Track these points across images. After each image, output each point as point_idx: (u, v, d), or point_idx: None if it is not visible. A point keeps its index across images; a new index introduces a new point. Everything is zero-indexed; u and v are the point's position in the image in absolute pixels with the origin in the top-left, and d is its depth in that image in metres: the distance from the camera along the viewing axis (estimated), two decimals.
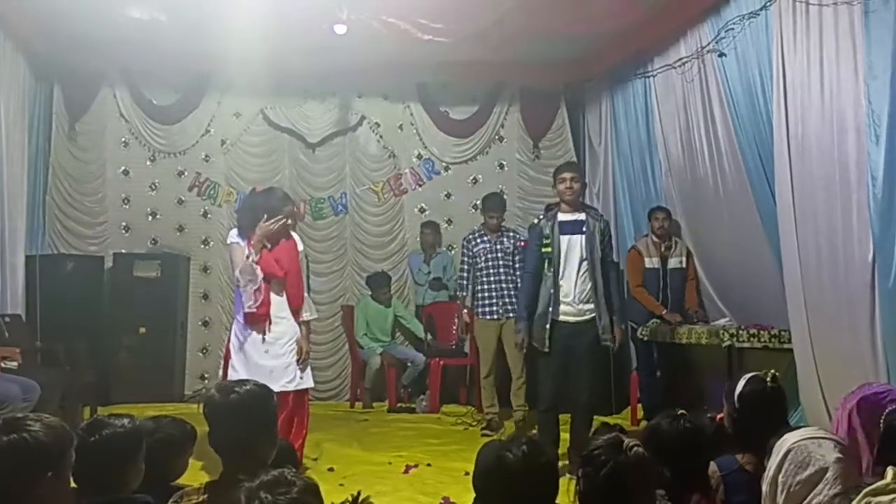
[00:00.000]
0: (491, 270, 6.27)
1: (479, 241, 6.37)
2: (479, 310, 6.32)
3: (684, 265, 6.29)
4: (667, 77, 6.29)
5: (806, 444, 1.85)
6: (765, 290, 5.27)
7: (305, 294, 4.84)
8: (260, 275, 4.50)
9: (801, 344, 4.56)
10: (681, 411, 2.48)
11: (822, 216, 4.37)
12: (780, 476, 1.82)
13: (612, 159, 7.45)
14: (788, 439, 1.88)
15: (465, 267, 6.43)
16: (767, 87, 4.89)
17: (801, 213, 4.50)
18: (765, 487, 1.88)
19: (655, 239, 6.33)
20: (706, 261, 6.22)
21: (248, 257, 4.53)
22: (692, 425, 2.42)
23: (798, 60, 4.51)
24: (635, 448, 1.88)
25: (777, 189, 4.72)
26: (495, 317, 6.23)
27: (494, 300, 6.24)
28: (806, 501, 1.79)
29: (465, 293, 6.44)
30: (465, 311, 6.50)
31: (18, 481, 1.88)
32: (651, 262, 6.31)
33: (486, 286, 6.26)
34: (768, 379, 2.62)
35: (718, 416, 2.92)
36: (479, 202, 7.95)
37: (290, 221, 4.71)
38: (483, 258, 6.29)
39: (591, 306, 4.78)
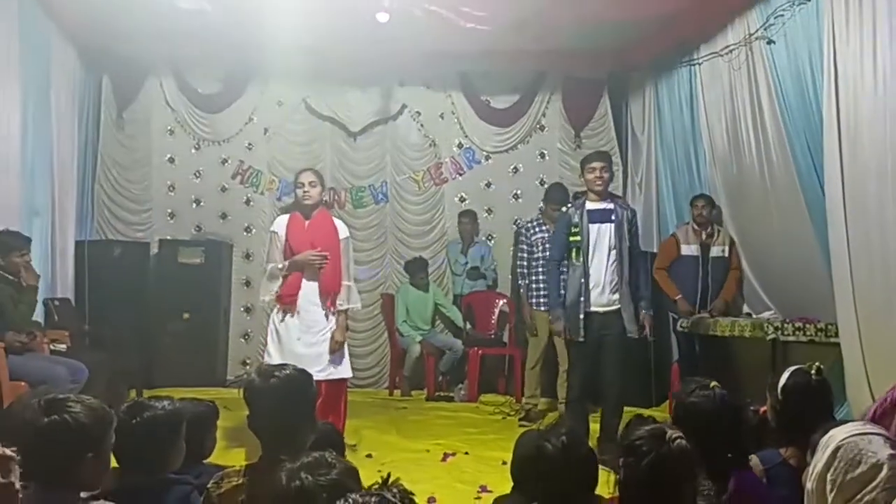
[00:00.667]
0: None
1: (536, 229, 6.22)
2: (534, 300, 6.16)
3: (727, 254, 6.17)
4: (713, 65, 6.17)
5: (856, 441, 1.79)
6: (811, 282, 5.16)
7: (349, 283, 4.83)
8: (278, 283, 4.68)
9: (849, 338, 4.45)
10: (713, 383, 2.45)
11: (872, 207, 4.25)
12: (830, 474, 1.78)
13: (655, 148, 7.34)
14: (836, 436, 1.83)
15: (524, 255, 6.27)
16: (818, 76, 4.77)
17: (851, 205, 4.38)
18: (810, 485, 1.83)
19: (696, 227, 6.24)
20: (751, 252, 6.10)
21: (281, 268, 4.65)
22: (727, 395, 2.40)
23: (850, 48, 4.38)
24: (678, 440, 1.85)
25: (826, 179, 4.60)
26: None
27: None
28: (857, 497, 1.75)
29: (524, 281, 6.27)
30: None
31: (59, 461, 1.92)
32: (689, 250, 6.21)
33: (542, 276, 6.02)
34: (813, 371, 2.57)
35: (762, 409, 2.87)
36: (519, 191, 8.01)
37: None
38: (541, 248, 6.08)
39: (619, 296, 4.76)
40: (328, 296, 4.69)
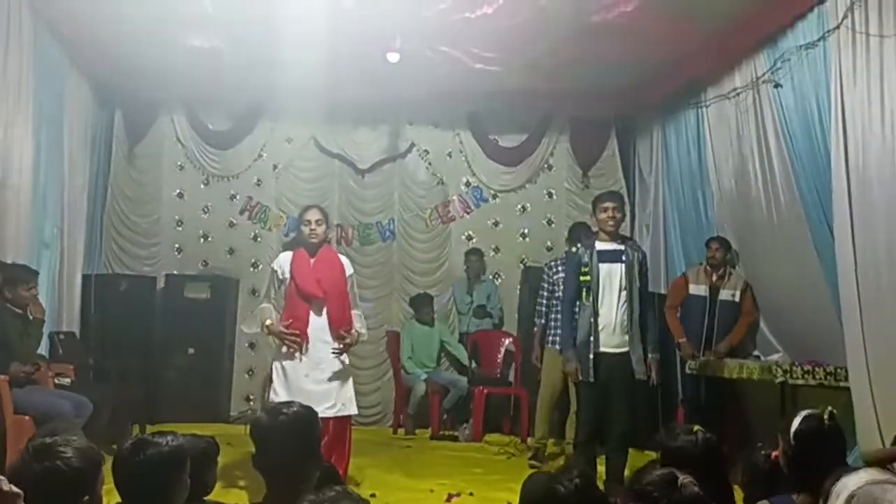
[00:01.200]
0: None
1: (559, 269, 6.04)
2: (550, 338, 6.03)
3: (737, 299, 6.11)
4: (720, 107, 6.21)
5: (871, 490, 1.76)
6: (820, 325, 5.12)
7: (358, 311, 4.87)
8: (259, 329, 4.81)
9: (859, 382, 4.40)
10: (696, 428, 2.46)
11: (882, 250, 4.23)
12: None
13: (662, 189, 7.36)
14: (849, 484, 1.80)
15: (544, 294, 6.19)
16: (825, 118, 4.79)
17: (861, 247, 4.36)
18: None
19: (708, 268, 6.22)
20: (759, 294, 6.06)
21: (269, 324, 4.70)
22: (712, 437, 2.40)
23: (858, 92, 4.41)
24: (690, 486, 1.82)
25: (835, 222, 4.59)
26: None
27: None
28: None
29: (541, 320, 6.17)
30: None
31: None
32: (697, 289, 6.17)
33: (560, 315, 5.77)
34: (826, 416, 2.53)
35: (773, 454, 2.83)
36: (526, 230, 8.03)
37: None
38: (561, 287, 5.79)
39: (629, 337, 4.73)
40: (337, 332, 4.68)
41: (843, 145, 4.51)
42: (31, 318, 4.95)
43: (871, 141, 4.34)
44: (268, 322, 4.69)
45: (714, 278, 6.16)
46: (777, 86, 5.33)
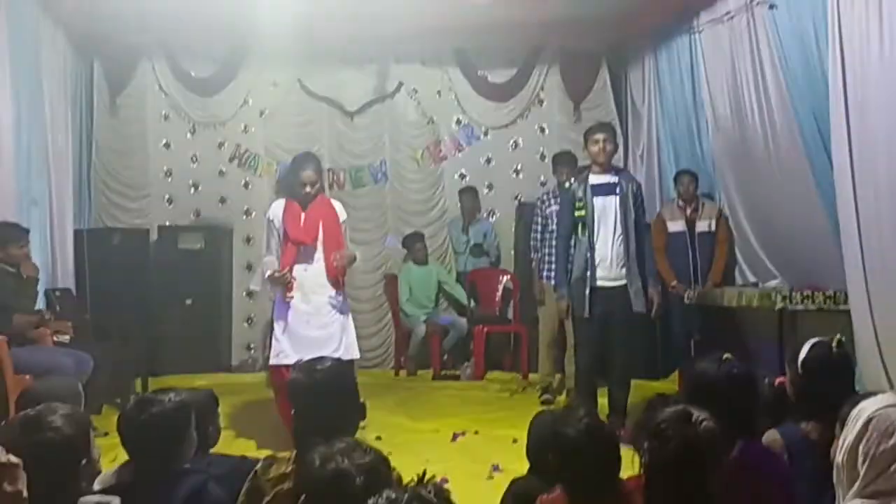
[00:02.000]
0: None
1: (552, 202, 5.91)
2: (545, 273, 5.93)
3: (713, 229, 6.11)
4: (714, 32, 6.08)
5: (888, 413, 1.77)
6: (818, 249, 5.13)
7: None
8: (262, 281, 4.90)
9: (859, 305, 4.42)
10: (725, 355, 2.40)
11: (882, 174, 4.20)
12: (862, 446, 1.75)
13: (656, 119, 7.26)
14: (866, 408, 1.80)
15: (538, 228, 6.06)
16: (822, 40, 4.69)
17: (860, 172, 4.33)
18: (840, 457, 1.80)
19: (681, 203, 6.18)
20: (756, 221, 6.05)
21: (268, 272, 4.68)
22: (742, 367, 2.36)
23: (856, 11, 4.31)
24: (705, 422, 1.80)
25: (833, 147, 4.54)
26: None
27: None
28: (891, 469, 1.72)
29: (536, 254, 6.07)
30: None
31: (56, 478, 1.90)
32: (675, 226, 6.17)
33: (554, 250, 5.58)
34: (834, 344, 2.52)
35: (777, 381, 2.83)
36: (519, 166, 7.95)
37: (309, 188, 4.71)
38: (554, 220, 5.71)
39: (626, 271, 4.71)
40: (332, 278, 4.67)
41: (840, 67, 4.43)
42: (24, 276, 4.91)
43: (869, 61, 4.27)
44: (268, 273, 4.67)
45: (688, 212, 6.14)
46: (772, 7, 5.21)
